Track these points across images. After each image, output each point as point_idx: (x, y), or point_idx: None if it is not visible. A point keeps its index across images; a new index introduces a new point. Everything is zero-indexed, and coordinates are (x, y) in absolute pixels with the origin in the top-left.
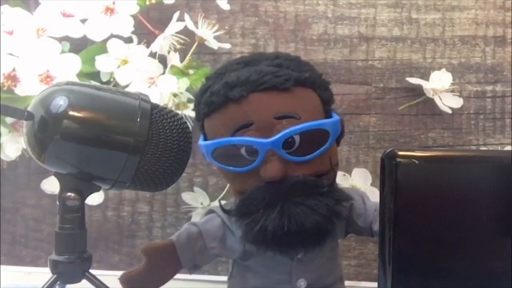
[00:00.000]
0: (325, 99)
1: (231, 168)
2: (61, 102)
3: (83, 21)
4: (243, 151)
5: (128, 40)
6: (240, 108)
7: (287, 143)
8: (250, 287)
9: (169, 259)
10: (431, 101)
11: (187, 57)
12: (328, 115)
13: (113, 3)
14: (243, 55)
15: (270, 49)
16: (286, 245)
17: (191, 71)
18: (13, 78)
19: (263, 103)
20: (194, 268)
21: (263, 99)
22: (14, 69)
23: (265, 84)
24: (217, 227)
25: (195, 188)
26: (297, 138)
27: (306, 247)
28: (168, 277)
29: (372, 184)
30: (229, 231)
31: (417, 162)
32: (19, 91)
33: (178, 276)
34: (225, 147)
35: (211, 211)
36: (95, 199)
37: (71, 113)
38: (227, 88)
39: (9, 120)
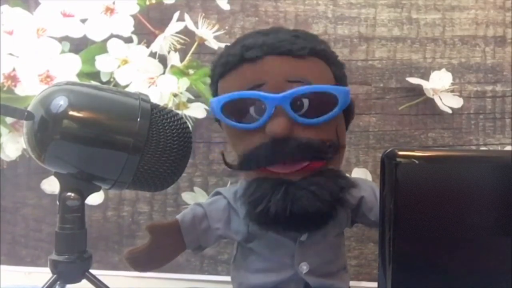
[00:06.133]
0: (337, 75)
1: (239, 124)
2: (61, 102)
3: (83, 21)
4: (252, 110)
5: (128, 40)
6: (254, 68)
7: (296, 105)
8: (253, 269)
9: (173, 238)
10: (431, 101)
11: (187, 57)
12: None
13: (113, 3)
14: None
15: None
16: (288, 226)
17: (191, 71)
18: (13, 78)
19: (277, 65)
20: (198, 249)
21: (278, 62)
22: (14, 69)
23: (281, 48)
24: (222, 209)
25: (195, 188)
26: (305, 102)
27: (308, 228)
28: (172, 256)
29: None
30: (234, 212)
31: (417, 162)
32: (19, 91)
33: (178, 276)
34: (235, 102)
35: (217, 193)
36: (95, 199)
37: (71, 113)
38: (244, 49)
39: (9, 120)
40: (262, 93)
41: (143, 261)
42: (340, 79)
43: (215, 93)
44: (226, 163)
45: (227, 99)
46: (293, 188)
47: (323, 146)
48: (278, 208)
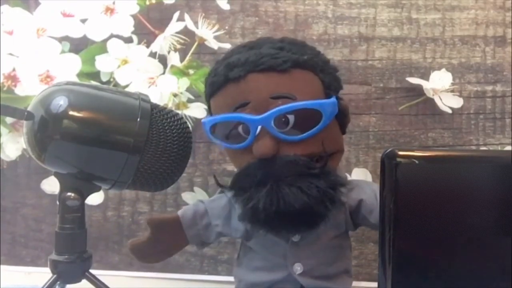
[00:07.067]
0: (326, 82)
1: (227, 145)
2: (61, 102)
3: (83, 21)
4: (240, 129)
5: (128, 40)
6: (238, 88)
7: (282, 122)
8: (251, 267)
9: (174, 233)
10: (431, 101)
11: (187, 57)
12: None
13: (113, 3)
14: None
15: None
16: (278, 224)
17: (191, 71)
18: (13, 78)
19: (260, 83)
20: (202, 245)
21: (260, 79)
22: (14, 69)
23: (263, 65)
24: (223, 206)
25: (195, 188)
26: (291, 118)
27: (296, 228)
28: (175, 249)
29: None
30: (235, 210)
31: (417, 162)
32: (19, 91)
33: (178, 276)
34: (223, 124)
35: (221, 191)
36: (95, 199)
37: (71, 113)
38: (228, 69)
39: (9, 120)
40: (244, 115)
41: (145, 253)
42: (329, 85)
43: (209, 111)
44: (219, 185)
45: (213, 122)
46: (279, 185)
47: (310, 163)
48: (266, 205)
